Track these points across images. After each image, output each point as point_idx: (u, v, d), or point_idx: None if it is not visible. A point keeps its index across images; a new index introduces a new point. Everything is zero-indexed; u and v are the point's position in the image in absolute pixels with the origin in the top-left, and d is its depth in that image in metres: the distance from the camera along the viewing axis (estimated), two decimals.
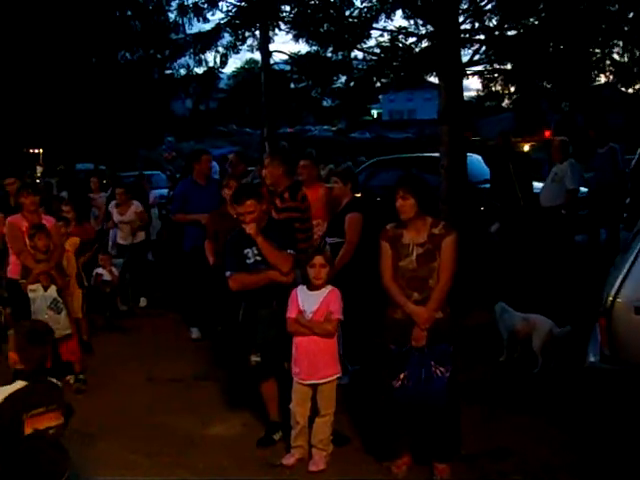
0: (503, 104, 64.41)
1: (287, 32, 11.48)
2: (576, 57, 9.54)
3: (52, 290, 6.10)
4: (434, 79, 11.58)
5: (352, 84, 12.03)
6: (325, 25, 10.24)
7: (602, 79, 11.41)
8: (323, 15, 10.00)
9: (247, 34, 12.67)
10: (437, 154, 12.70)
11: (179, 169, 23.06)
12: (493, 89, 10.79)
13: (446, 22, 8.88)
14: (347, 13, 9.75)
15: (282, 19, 10.54)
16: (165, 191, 15.93)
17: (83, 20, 16.70)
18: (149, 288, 9.99)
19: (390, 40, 9.45)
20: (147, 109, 18.20)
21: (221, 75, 20.01)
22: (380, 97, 53.47)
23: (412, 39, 9.56)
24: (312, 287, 4.64)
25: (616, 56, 9.33)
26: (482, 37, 9.43)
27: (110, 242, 10.40)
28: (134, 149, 20.85)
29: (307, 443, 4.70)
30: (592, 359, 4.84)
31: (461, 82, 9.35)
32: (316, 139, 41.76)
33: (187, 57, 16.97)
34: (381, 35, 9.99)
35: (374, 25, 9.94)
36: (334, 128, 55.03)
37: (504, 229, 9.73)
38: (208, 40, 16.17)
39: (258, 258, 4.90)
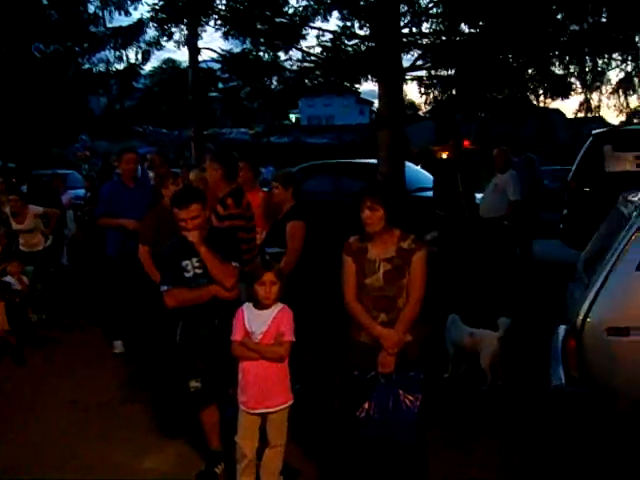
0: (420, 112, 65.61)
1: (217, 29, 10.98)
2: (514, 67, 9.40)
3: None
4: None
5: (282, 86, 11.58)
6: (259, 23, 9.79)
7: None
8: (259, 12, 9.54)
9: (174, 29, 11.98)
10: (370, 160, 12.43)
11: (93, 168, 22.09)
12: (431, 95, 10.48)
13: (387, 24, 8.59)
14: (284, 10, 9.29)
15: (216, 13, 9.97)
16: (81, 191, 15.13)
17: None
18: (63, 296, 9.25)
19: (332, 40, 9.04)
20: (63, 105, 17.14)
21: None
22: (299, 102, 53.25)
23: (352, 41, 9.18)
24: (260, 305, 4.13)
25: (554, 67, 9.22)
26: (423, 42, 9.15)
27: None
28: (48, 146, 19.67)
29: (255, 477, 4.21)
30: (557, 381, 4.56)
31: (402, 85, 9.07)
32: (233, 142, 41.11)
33: (107, 52, 16.11)
34: (318, 36, 9.65)
35: (311, 25, 9.58)
36: (252, 131, 54.32)
37: (442, 238, 9.47)
38: (130, 35, 15.44)
39: (198, 271, 4.39)
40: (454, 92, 10.70)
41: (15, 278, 7.88)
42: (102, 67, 16.64)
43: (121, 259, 6.98)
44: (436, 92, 10.41)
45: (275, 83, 11.70)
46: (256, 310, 4.12)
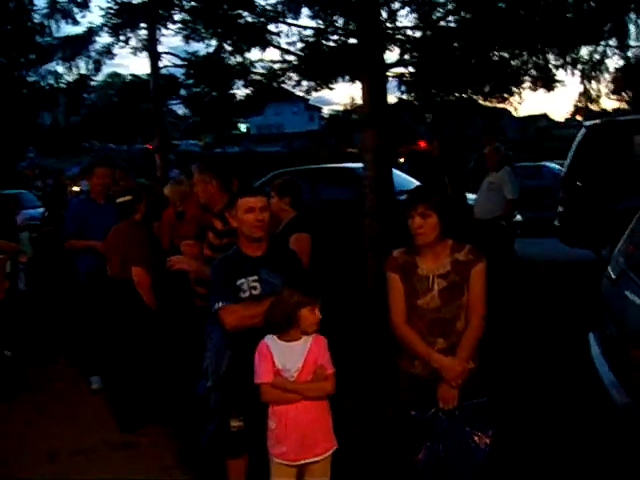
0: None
1: (177, 32, 10.30)
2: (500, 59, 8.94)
3: None
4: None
5: (251, 89, 10.94)
6: (224, 21, 9.13)
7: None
8: (224, 9, 8.88)
9: (129, 34, 11.24)
10: (348, 165, 11.81)
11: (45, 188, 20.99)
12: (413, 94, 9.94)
13: (367, 17, 8.03)
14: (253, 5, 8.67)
15: (179, 10, 9.27)
16: (34, 211, 14.26)
17: None
18: (26, 326, 8.23)
19: (313, 36, 8.45)
20: (9, 121, 16.11)
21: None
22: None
23: (333, 37, 8.60)
24: (289, 336, 3.44)
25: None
26: (407, 35, 8.62)
27: None
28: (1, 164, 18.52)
29: None
30: (623, 400, 4.00)
31: (385, 82, 8.51)
32: (185, 154, 40.17)
33: (54, 63, 15.21)
34: (291, 34, 9.05)
35: (284, 21, 8.98)
36: (201, 143, 53.33)
37: None
38: (79, 44, 14.59)
39: (255, 292, 3.74)
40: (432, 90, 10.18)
41: None
42: (51, 79, 15.64)
43: (93, 285, 6.26)
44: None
45: (242, 88, 11.06)
46: (284, 342, 3.45)
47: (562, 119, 56.90)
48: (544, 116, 55.23)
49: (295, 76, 9.81)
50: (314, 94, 10.23)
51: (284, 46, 8.77)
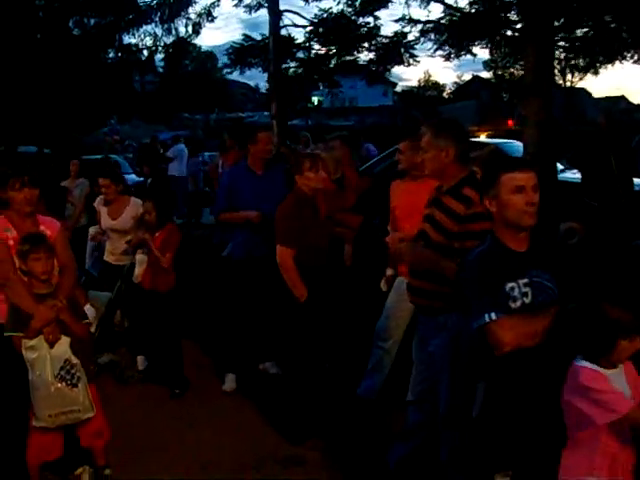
0: (444, 94, 63.89)
1: None
2: None
3: (62, 346, 3.75)
4: None
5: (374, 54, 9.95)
6: None
7: None
8: None
9: None
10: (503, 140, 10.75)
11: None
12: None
13: None
14: None
15: None
16: (132, 177, 13.69)
17: None
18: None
19: None
20: (103, 85, 15.48)
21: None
22: (320, 84, 51.41)
23: None
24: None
25: None
26: None
27: (88, 259, 7.42)
28: (84, 131, 17.97)
29: None
30: None
31: (553, 47, 7.41)
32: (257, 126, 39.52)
33: (153, 25, 14.45)
34: None
35: None
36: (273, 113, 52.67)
37: (590, 232, 7.79)
38: (178, 5, 13.79)
39: (527, 300, 2.83)
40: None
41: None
42: (149, 42, 14.90)
43: (245, 264, 5.43)
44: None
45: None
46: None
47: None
48: (622, 98, 52.80)
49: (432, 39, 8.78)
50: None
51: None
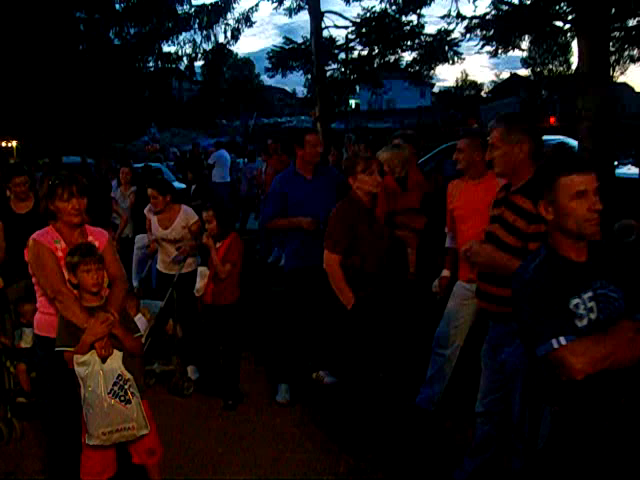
0: (482, 93, 63.14)
1: None
2: None
3: (114, 361, 3.62)
4: None
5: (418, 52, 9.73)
6: None
7: None
8: None
9: None
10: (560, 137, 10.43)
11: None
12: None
13: None
14: None
15: None
16: (175, 184, 13.59)
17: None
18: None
19: None
20: (143, 94, 15.50)
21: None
22: (357, 87, 51.29)
23: None
24: None
25: None
26: None
27: (135, 269, 7.59)
28: (125, 140, 18.05)
29: None
30: None
31: (609, 37, 7.12)
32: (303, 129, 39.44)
33: (192, 33, 14.41)
34: None
35: None
36: (314, 118, 52.66)
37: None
38: (216, 12, 13.73)
39: (593, 316, 2.50)
40: None
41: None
42: (188, 49, 14.85)
43: (296, 276, 5.26)
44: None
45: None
46: None
47: None
48: None
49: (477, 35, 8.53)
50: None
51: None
